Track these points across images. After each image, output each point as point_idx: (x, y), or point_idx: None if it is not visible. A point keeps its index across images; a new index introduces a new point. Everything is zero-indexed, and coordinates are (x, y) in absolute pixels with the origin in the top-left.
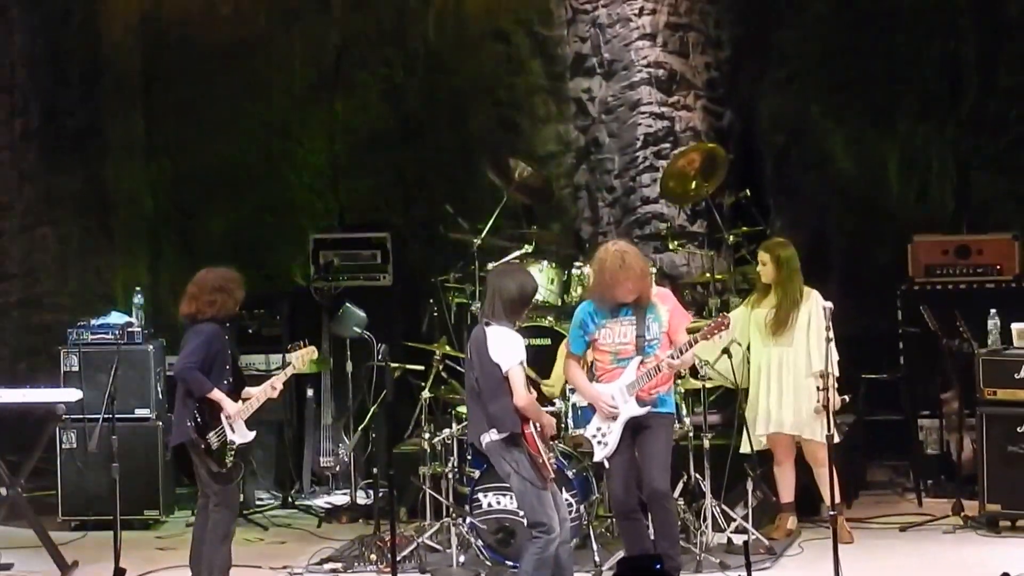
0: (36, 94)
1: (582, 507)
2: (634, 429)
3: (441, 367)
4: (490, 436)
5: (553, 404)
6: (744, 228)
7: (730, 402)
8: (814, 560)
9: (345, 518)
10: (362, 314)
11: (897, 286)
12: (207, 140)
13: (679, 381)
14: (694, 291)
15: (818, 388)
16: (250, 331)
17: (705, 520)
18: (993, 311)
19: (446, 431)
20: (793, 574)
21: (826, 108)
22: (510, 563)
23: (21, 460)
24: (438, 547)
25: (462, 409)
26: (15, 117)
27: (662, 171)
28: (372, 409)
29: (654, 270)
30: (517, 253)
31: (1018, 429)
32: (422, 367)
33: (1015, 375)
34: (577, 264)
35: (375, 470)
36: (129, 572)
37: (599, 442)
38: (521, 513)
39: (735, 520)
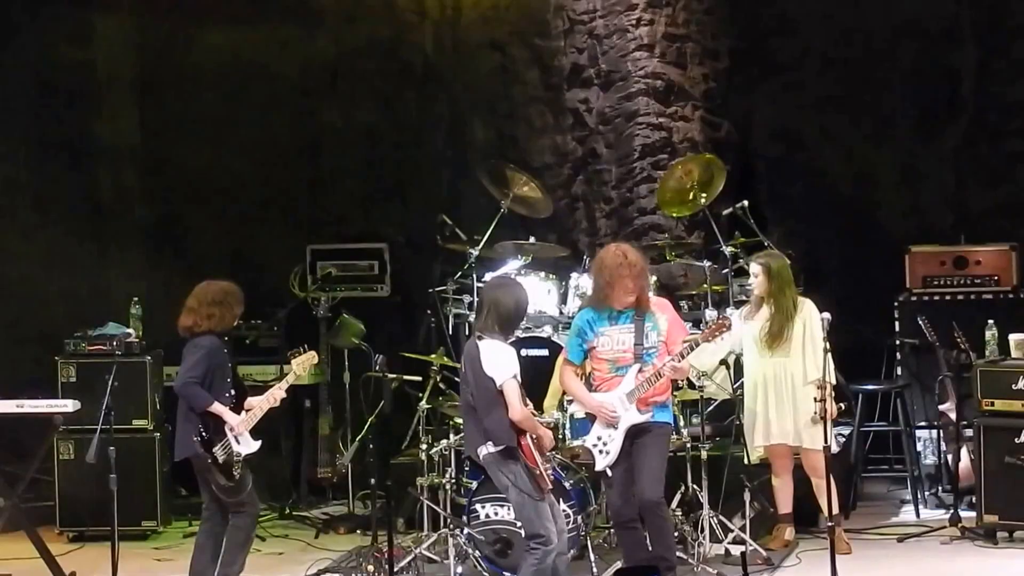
0: (30, 105)
1: (579, 518)
2: (632, 438)
3: (438, 378)
4: (487, 449)
5: (552, 416)
6: (741, 239)
7: (727, 413)
8: (811, 571)
9: (342, 529)
10: (359, 325)
11: (895, 297)
12: (202, 150)
13: (676, 393)
14: (691, 302)
15: (815, 399)
16: (247, 342)
17: (703, 531)
18: (991, 322)
19: (443, 442)
20: None
21: (824, 119)
22: (507, 574)
23: (19, 471)
24: (435, 558)
25: (459, 420)
26: (10, 127)
27: (659, 182)
28: (369, 420)
29: (653, 279)
30: (514, 264)
31: (1016, 440)
32: (419, 378)
33: (1013, 386)
34: (574, 275)
35: (372, 481)
36: None
37: (600, 451)
38: (518, 524)
39: (733, 531)
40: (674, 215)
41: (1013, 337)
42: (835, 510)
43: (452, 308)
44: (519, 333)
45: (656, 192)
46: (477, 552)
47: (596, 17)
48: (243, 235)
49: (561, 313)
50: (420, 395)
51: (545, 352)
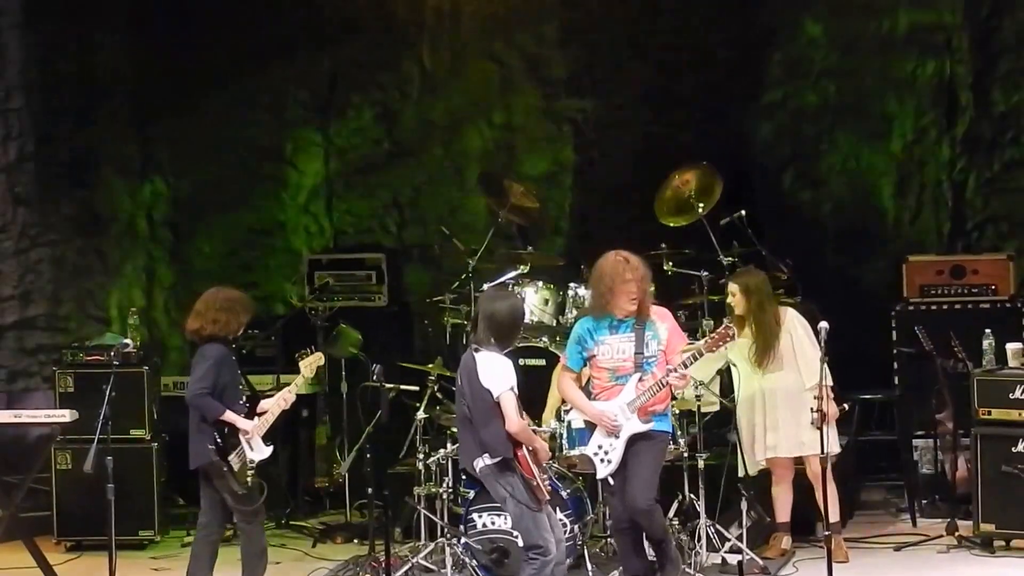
0: (31, 118)
1: (577, 527)
2: (629, 445)
3: (436, 388)
4: (483, 461)
5: (549, 425)
6: (739, 248)
7: (725, 422)
8: None
9: (340, 538)
10: (357, 335)
11: (892, 306)
12: (201, 162)
13: (673, 402)
14: (688, 312)
15: (812, 409)
16: (243, 351)
17: (699, 540)
18: (988, 331)
19: (441, 451)
20: None
21: (820, 129)
22: None
23: (16, 481)
24: (433, 567)
25: (456, 430)
26: (10, 141)
27: (656, 192)
28: (367, 430)
29: (651, 288)
30: (512, 274)
31: (1012, 449)
32: (417, 387)
33: (1010, 395)
34: (572, 285)
35: (370, 490)
36: None
37: (602, 460)
38: (515, 534)
39: (729, 540)
40: (671, 225)
41: (1010, 346)
42: (835, 517)
43: (450, 318)
44: (516, 343)
45: (653, 202)
46: (474, 561)
47: (592, 26)
48: (241, 245)
49: (559, 323)
50: (417, 405)
51: (543, 362)
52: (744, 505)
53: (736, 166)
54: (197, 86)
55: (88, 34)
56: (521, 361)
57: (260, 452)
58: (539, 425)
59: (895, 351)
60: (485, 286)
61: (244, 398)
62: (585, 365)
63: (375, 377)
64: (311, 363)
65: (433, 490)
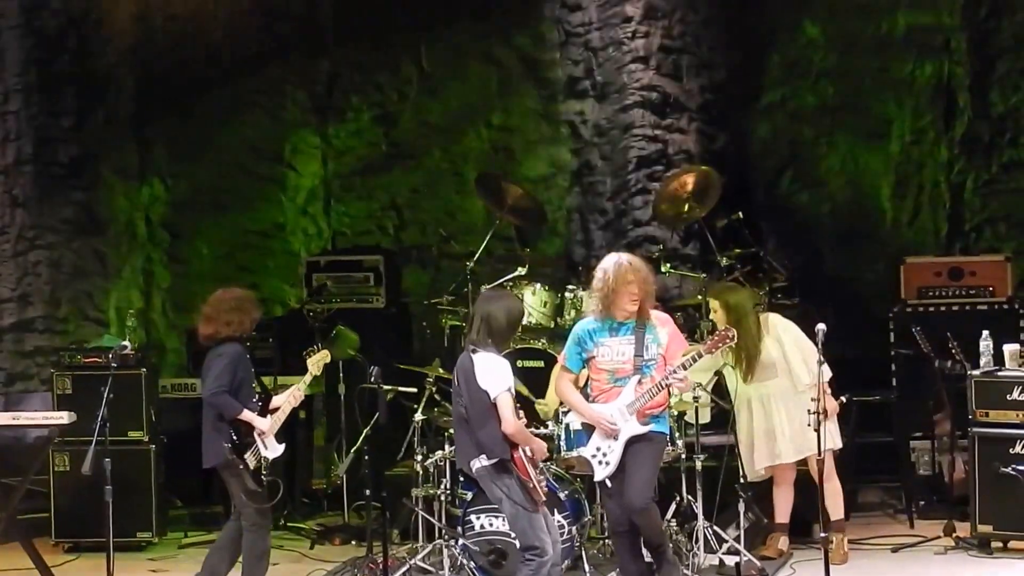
0: (29, 120)
1: (574, 529)
2: (627, 446)
3: (434, 389)
4: (480, 462)
5: (545, 427)
6: (737, 250)
7: (722, 424)
8: None
9: (338, 540)
10: (355, 336)
11: (889, 308)
12: (199, 164)
13: (671, 405)
14: (686, 314)
15: (809, 411)
16: None
17: (697, 541)
18: (985, 332)
19: (438, 453)
20: None
21: (819, 131)
22: None
23: (15, 483)
24: (430, 569)
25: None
26: (8, 143)
27: (655, 194)
28: (364, 431)
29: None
30: (510, 276)
31: (1010, 450)
32: (415, 389)
33: (1007, 396)
34: (570, 287)
35: (367, 492)
36: None
37: (600, 462)
38: (513, 535)
39: (727, 541)
40: (669, 226)
41: (1008, 348)
42: (839, 514)
43: (448, 320)
44: (514, 344)
45: (651, 203)
46: (472, 563)
47: (592, 29)
48: (239, 247)
49: (556, 325)
50: (415, 406)
51: (540, 363)
52: (741, 506)
53: (734, 167)
54: (195, 88)
55: (87, 36)
56: (519, 363)
57: (274, 450)
58: (539, 425)
59: (893, 352)
60: (483, 288)
61: (257, 396)
62: (584, 366)
63: (373, 379)
64: (318, 360)
65: (431, 492)
